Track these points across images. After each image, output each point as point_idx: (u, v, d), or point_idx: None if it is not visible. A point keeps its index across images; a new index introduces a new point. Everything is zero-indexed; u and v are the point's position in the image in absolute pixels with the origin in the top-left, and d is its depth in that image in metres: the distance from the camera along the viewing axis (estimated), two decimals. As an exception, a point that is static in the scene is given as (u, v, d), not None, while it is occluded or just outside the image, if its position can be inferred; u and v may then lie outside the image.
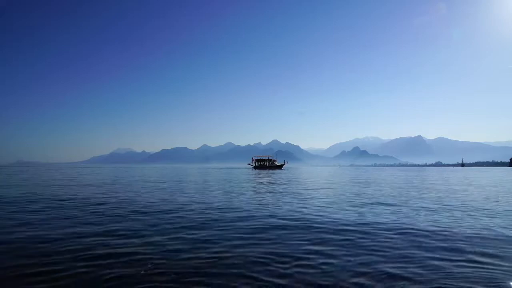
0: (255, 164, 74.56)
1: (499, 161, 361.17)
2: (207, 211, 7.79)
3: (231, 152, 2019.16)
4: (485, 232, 5.36)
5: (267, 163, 73.07)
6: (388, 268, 3.56)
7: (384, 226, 5.82)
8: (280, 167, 73.74)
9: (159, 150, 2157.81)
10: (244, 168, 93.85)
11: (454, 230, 5.46)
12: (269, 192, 12.95)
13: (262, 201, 10.05)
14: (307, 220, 6.38)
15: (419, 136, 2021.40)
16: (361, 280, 3.22)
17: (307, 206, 8.71)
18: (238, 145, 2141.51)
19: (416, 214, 7.44)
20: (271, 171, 52.47)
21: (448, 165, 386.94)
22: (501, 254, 4.12)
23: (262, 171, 52.41)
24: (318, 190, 14.32)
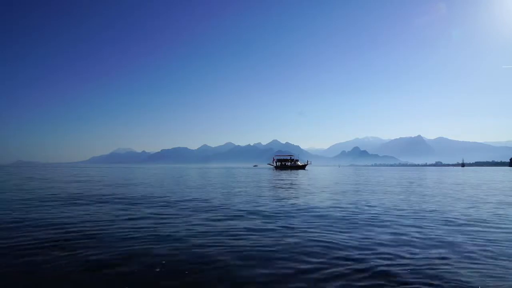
0: (276, 164, 70.92)
1: (499, 161, 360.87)
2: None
3: (231, 152, 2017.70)
4: None
5: (289, 163, 69.10)
6: None
7: None
8: (303, 167, 68.47)
9: (159, 150, 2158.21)
10: (247, 168, 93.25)
11: None
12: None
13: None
14: None
15: (419, 136, 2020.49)
16: None
17: None
18: (238, 145, 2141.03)
19: None
20: (294, 171, 49.99)
21: (448, 165, 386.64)
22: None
23: (284, 171, 49.93)
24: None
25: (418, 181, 23.04)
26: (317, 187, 16.19)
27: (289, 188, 15.40)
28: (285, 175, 33.17)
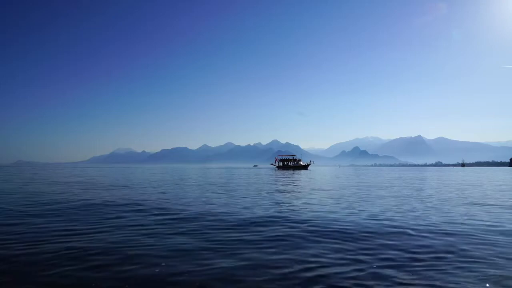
0: (278, 164, 70.70)
1: (499, 161, 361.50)
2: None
3: (231, 152, 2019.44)
4: None
5: (292, 163, 68.93)
6: None
7: None
8: (305, 167, 68.15)
9: (159, 150, 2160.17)
10: (247, 168, 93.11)
11: None
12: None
13: None
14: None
15: (419, 136, 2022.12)
16: None
17: None
18: (238, 145, 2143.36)
19: None
20: (296, 171, 49.62)
21: (448, 165, 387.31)
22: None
23: (287, 171, 49.59)
24: None
25: (426, 182, 22.97)
26: (325, 189, 16.14)
27: (297, 191, 15.26)
28: (288, 175, 33.01)
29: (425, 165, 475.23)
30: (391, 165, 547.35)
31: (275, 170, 60.00)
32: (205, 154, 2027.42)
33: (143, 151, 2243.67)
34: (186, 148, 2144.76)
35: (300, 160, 69.44)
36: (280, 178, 25.49)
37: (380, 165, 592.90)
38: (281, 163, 70.50)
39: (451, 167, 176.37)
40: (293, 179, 24.55)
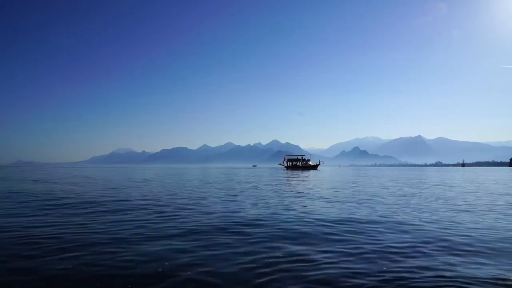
0: (287, 164, 71.12)
1: (499, 161, 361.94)
2: None
3: (231, 152, 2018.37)
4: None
5: (300, 163, 69.29)
6: None
7: None
8: (315, 167, 68.31)
9: (159, 150, 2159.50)
10: (248, 168, 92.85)
11: None
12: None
13: None
14: None
15: (419, 136, 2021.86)
16: None
17: None
18: (238, 145, 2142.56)
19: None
20: (305, 171, 49.61)
21: (448, 165, 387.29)
22: None
23: (296, 171, 50.08)
24: None
25: (437, 184, 21.36)
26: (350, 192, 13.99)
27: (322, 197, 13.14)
28: (299, 175, 31.92)
29: (425, 165, 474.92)
30: (391, 165, 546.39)
31: (284, 170, 60.20)
32: (205, 154, 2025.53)
33: (143, 151, 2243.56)
34: (186, 148, 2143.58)
35: (309, 160, 69.61)
36: (296, 180, 23.85)
37: (380, 165, 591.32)
38: (289, 163, 70.77)
39: (451, 167, 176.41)
40: (309, 180, 22.95)
